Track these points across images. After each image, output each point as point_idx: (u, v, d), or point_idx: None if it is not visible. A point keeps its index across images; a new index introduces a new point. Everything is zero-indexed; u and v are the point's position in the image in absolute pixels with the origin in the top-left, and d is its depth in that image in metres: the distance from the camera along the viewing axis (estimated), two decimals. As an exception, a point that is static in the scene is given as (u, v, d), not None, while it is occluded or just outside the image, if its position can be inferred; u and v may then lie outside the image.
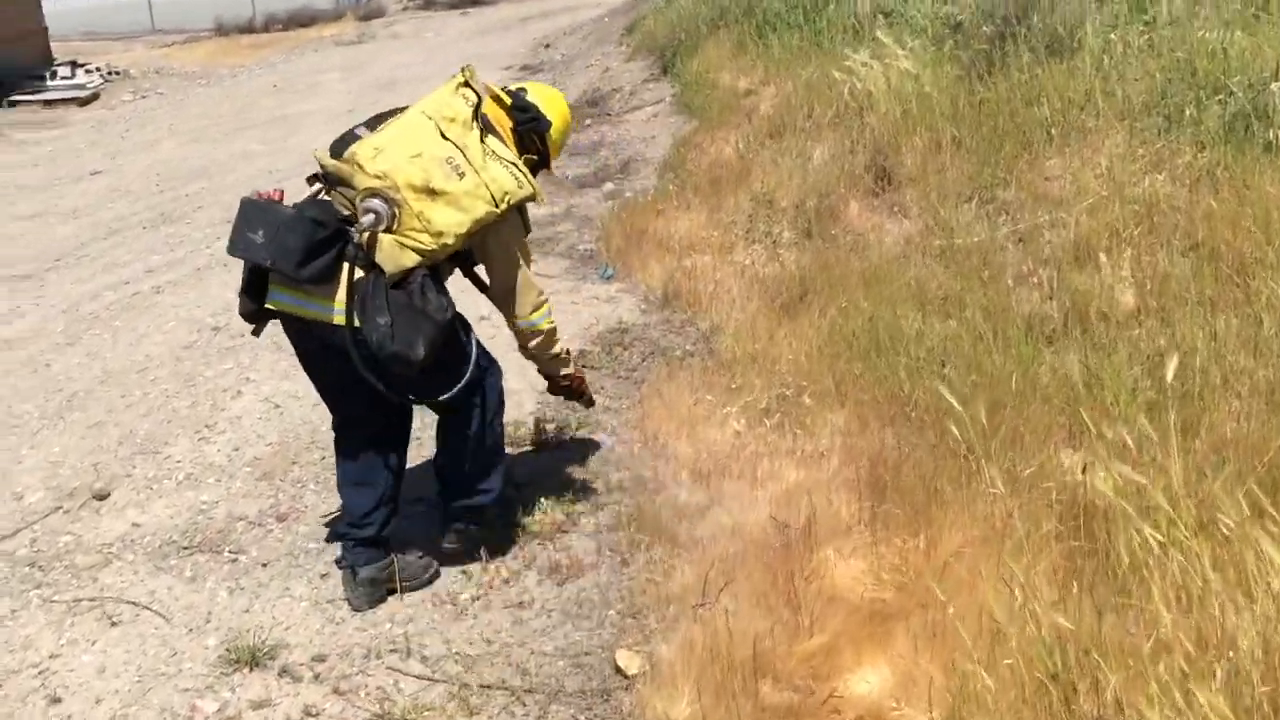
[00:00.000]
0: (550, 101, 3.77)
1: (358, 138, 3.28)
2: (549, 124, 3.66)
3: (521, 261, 3.54)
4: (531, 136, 3.62)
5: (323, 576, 3.70)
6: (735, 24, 10.37)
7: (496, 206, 3.26)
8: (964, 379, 4.32)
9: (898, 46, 7.11)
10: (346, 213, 3.19)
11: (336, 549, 3.78)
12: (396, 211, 3.15)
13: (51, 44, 24.88)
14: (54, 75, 17.64)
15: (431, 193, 3.18)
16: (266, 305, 3.29)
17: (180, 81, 18.15)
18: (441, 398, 3.44)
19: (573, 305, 6.11)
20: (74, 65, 18.76)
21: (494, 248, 3.46)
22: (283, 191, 3.32)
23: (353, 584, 3.53)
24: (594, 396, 4.33)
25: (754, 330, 5.26)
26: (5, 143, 12.89)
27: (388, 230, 3.16)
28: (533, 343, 3.71)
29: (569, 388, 4.06)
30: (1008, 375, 4.25)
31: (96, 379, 5.39)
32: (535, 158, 3.66)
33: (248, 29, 25.73)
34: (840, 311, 5.12)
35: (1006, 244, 5.42)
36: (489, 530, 3.79)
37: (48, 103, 15.69)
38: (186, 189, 9.07)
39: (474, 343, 3.54)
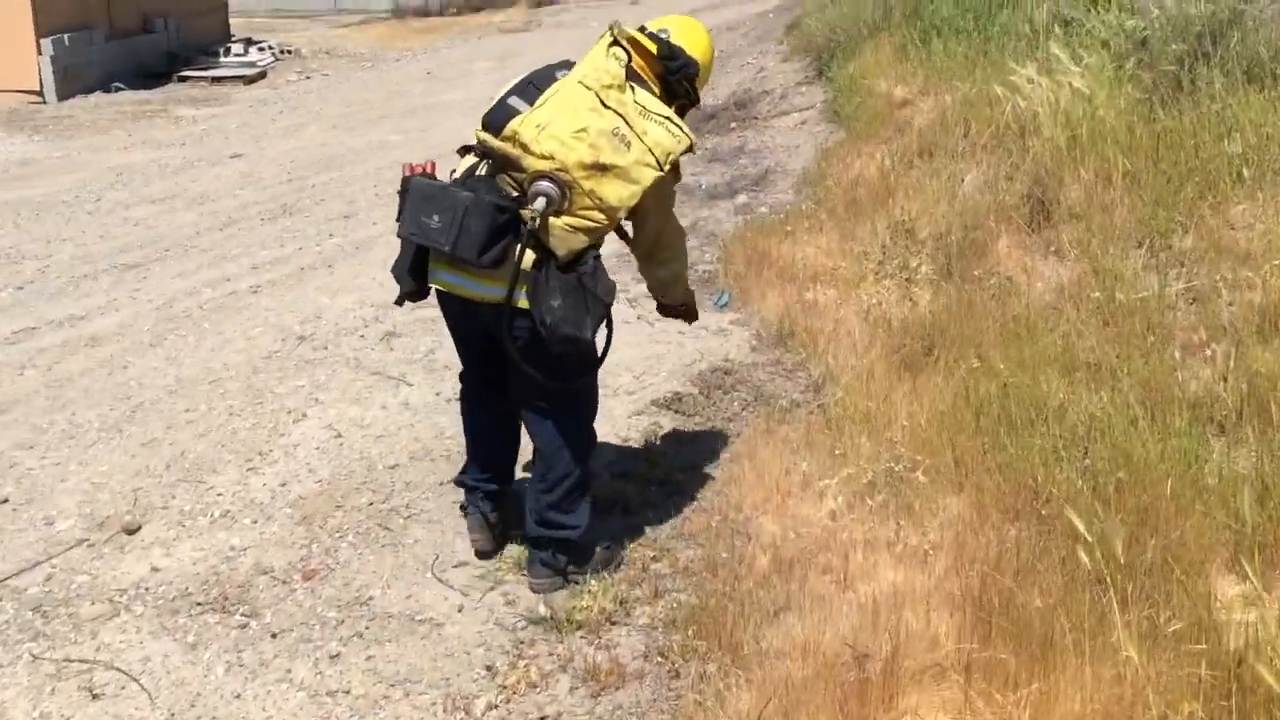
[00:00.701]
0: (692, 39, 3.56)
1: (514, 111, 3.17)
2: (697, 67, 3.50)
3: (672, 213, 3.54)
4: (681, 83, 3.48)
5: (332, 658, 3.24)
6: (898, 27, 9.58)
7: (661, 169, 3.18)
8: (1109, 473, 3.60)
9: (1072, 62, 6.28)
10: (515, 193, 3.14)
11: (353, 622, 3.38)
12: (567, 192, 3.09)
13: (238, 20, 25.63)
14: (228, 52, 17.92)
15: (603, 169, 3.10)
16: (429, 284, 3.35)
17: (347, 64, 18.23)
18: (579, 381, 3.47)
19: (679, 336, 5.54)
20: (249, 42, 19.06)
21: (650, 203, 3.30)
22: (434, 164, 3.31)
23: (482, 527, 3.70)
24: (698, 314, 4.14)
25: (870, 384, 4.59)
26: (166, 119, 13.02)
27: (558, 213, 3.11)
28: (669, 290, 3.79)
29: (682, 312, 4.00)
30: (1163, 474, 3.51)
31: (167, 388, 5.08)
32: (684, 101, 3.54)
33: (423, 12, 25.92)
34: (971, 372, 4.41)
35: (1178, 303, 4.61)
36: (577, 563, 3.58)
37: (216, 80, 15.89)
38: (315, 179, 8.84)
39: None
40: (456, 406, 4.66)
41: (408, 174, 3.28)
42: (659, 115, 3.22)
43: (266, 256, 6.92)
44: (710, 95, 11.19)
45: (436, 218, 3.09)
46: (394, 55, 18.80)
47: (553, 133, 3.08)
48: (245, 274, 6.60)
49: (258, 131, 11.39)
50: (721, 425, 4.62)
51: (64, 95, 14.26)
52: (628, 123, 3.14)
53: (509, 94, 3.26)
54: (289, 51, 19.07)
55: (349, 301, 6.08)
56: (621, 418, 4.71)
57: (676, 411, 4.76)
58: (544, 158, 3.07)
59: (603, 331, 3.43)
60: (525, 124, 3.10)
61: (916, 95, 8.32)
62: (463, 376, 3.74)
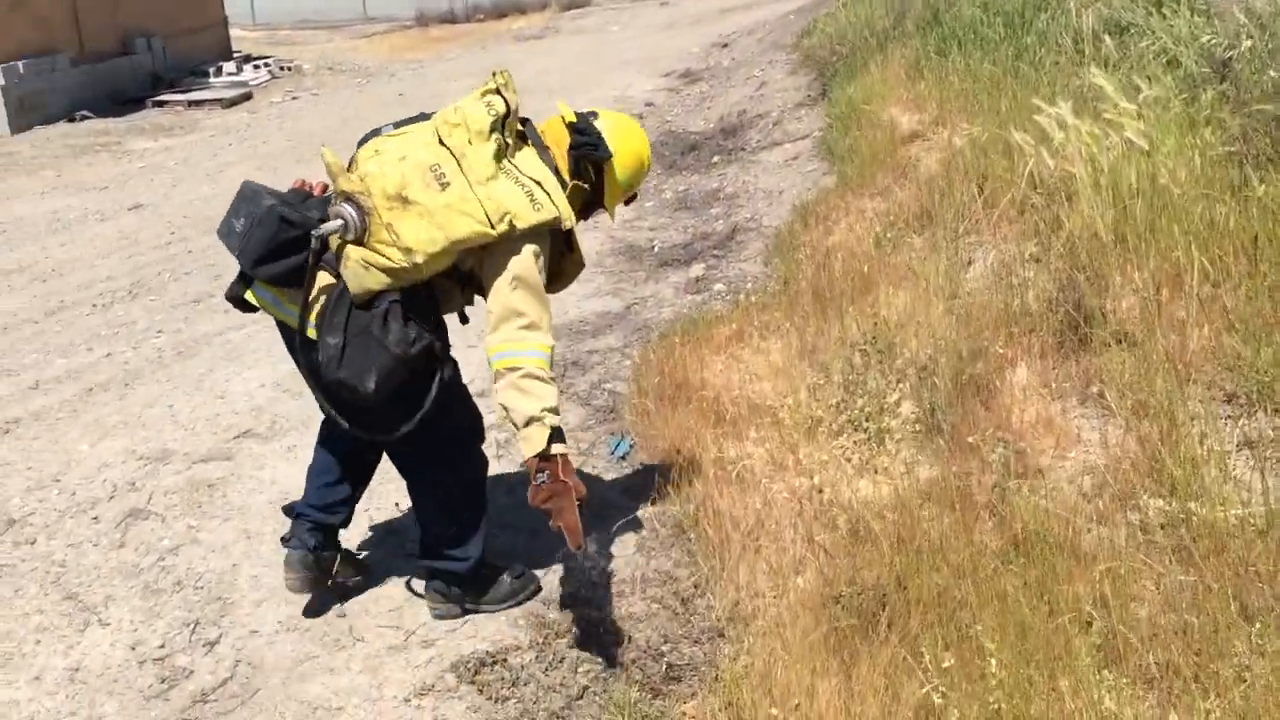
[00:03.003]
0: (624, 136, 3.14)
1: (378, 134, 2.89)
2: (609, 154, 3.07)
3: (518, 287, 2.78)
4: (586, 165, 3.06)
5: None
6: (912, 36, 7.58)
7: (491, 227, 2.71)
8: None
9: (1122, 95, 4.28)
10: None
11: None
12: (366, 221, 2.70)
13: (261, 33, 24.21)
14: (219, 71, 16.36)
15: (404, 201, 2.70)
16: (247, 298, 2.98)
17: (348, 79, 16.58)
18: (388, 436, 2.91)
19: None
20: (246, 60, 17.53)
21: (489, 269, 2.81)
22: (325, 186, 2.94)
23: (304, 564, 3.14)
24: (583, 541, 2.78)
25: (785, 661, 2.72)
26: (114, 153, 11.43)
27: (358, 242, 2.71)
28: (512, 420, 2.76)
29: (546, 497, 2.74)
30: None
31: None
32: (587, 188, 3.08)
33: (449, 18, 24.28)
34: (942, 675, 2.51)
35: (1304, 533, 2.66)
36: (474, 595, 3.19)
37: (192, 103, 14.31)
38: (200, 241, 7.11)
39: (445, 387, 2.91)
40: (150, 673, 2.92)
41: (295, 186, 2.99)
42: (528, 177, 2.81)
43: (60, 368, 5.18)
44: (701, 119, 9.31)
45: (241, 221, 2.80)
46: (397, 68, 17.10)
47: (382, 158, 2.76)
48: (13, 399, 4.87)
49: (188, 171, 9.73)
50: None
51: (19, 127, 12.77)
52: (459, 164, 2.74)
53: (389, 123, 2.97)
54: (288, 68, 17.48)
55: (113, 451, 4.31)
56: (392, 703, 2.90)
57: (483, 691, 2.93)
58: (359, 179, 2.73)
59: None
60: (368, 146, 2.85)
61: (928, 126, 6.34)
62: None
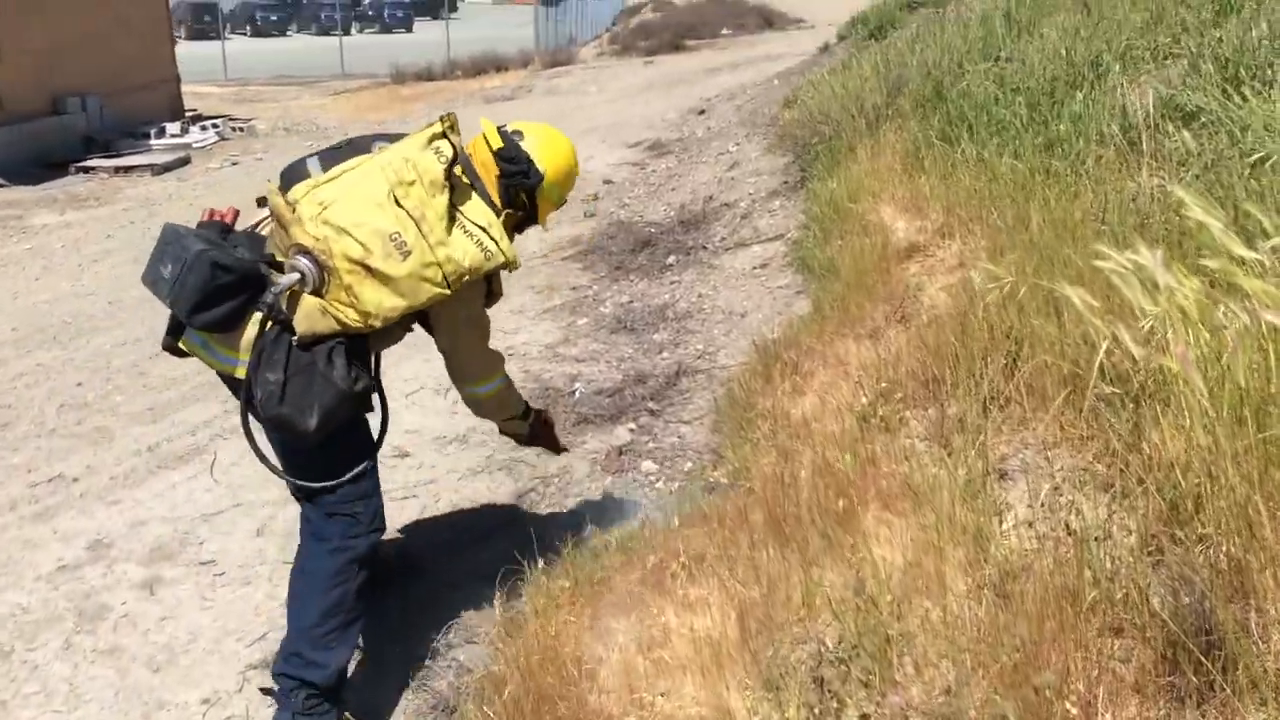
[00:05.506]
0: (549, 151, 3.03)
1: (306, 173, 2.75)
2: (540, 178, 2.99)
3: (471, 333, 3.01)
4: (519, 194, 2.99)
5: None
6: (909, 116, 6.07)
7: (448, 288, 2.72)
8: None
9: (1235, 239, 2.71)
10: (281, 258, 2.69)
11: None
12: (326, 277, 2.64)
13: (231, 89, 22.87)
14: (161, 133, 14.92)
15: (366, 269, 2.64)
16: (179, 344, 2.84)
17: (299, 141, 15.16)
18: (316, 484, 2.82)
19: None
20: (195, 120, 16.10)
21: (442, 318, 2.91)
22: (236, 211, 2.84)
23: None
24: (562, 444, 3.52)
25: None
26: (4, 231, 9.89)
27: (315, 293, 2.65)
28: (482, 412, 3.23)
29: (535, 440, 3.42)
30: None
31: None
32: (521, 214, 3.05)
33: (426, 75, 23.04)
34: None
35: None
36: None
37: (119, 169, 12.82)
38: (22, 363, 5.57)
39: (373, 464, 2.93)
40: None
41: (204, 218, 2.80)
42: (475, 225, 2.76)
43: None
44: (662, 204, 7.77)
45: (170, 267, 2.58)
46: (356, 129, 15.66)
47: (329, 218, 2.63)
48: None
49: (66, 257, 8.20)
50: None
51: (-85, 195, 11.28)
52: (419, 228, 2.66)
53: (315, 154, 2.86)
54: (240, 129, 16.05)
55: None
56: None
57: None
58: (314, 238, 2.62)
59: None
60: (308, 197, 2.66)
61: (931, 238, 4.81)
62: None
